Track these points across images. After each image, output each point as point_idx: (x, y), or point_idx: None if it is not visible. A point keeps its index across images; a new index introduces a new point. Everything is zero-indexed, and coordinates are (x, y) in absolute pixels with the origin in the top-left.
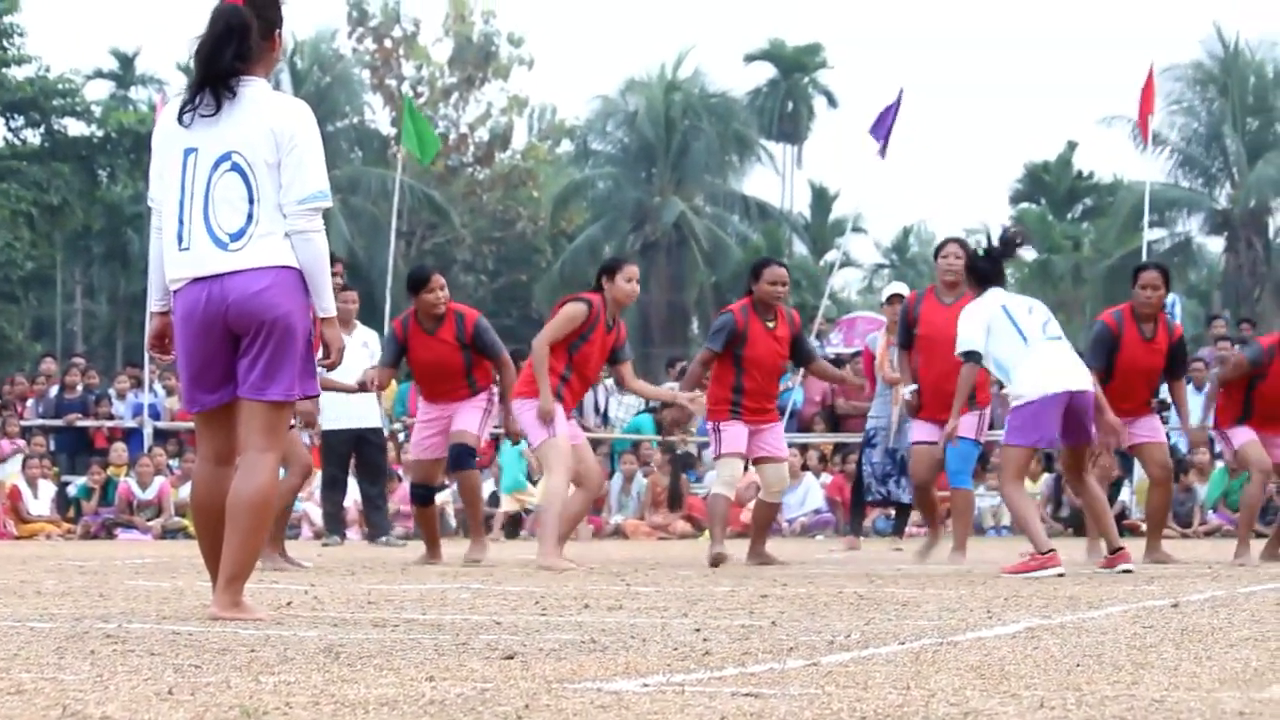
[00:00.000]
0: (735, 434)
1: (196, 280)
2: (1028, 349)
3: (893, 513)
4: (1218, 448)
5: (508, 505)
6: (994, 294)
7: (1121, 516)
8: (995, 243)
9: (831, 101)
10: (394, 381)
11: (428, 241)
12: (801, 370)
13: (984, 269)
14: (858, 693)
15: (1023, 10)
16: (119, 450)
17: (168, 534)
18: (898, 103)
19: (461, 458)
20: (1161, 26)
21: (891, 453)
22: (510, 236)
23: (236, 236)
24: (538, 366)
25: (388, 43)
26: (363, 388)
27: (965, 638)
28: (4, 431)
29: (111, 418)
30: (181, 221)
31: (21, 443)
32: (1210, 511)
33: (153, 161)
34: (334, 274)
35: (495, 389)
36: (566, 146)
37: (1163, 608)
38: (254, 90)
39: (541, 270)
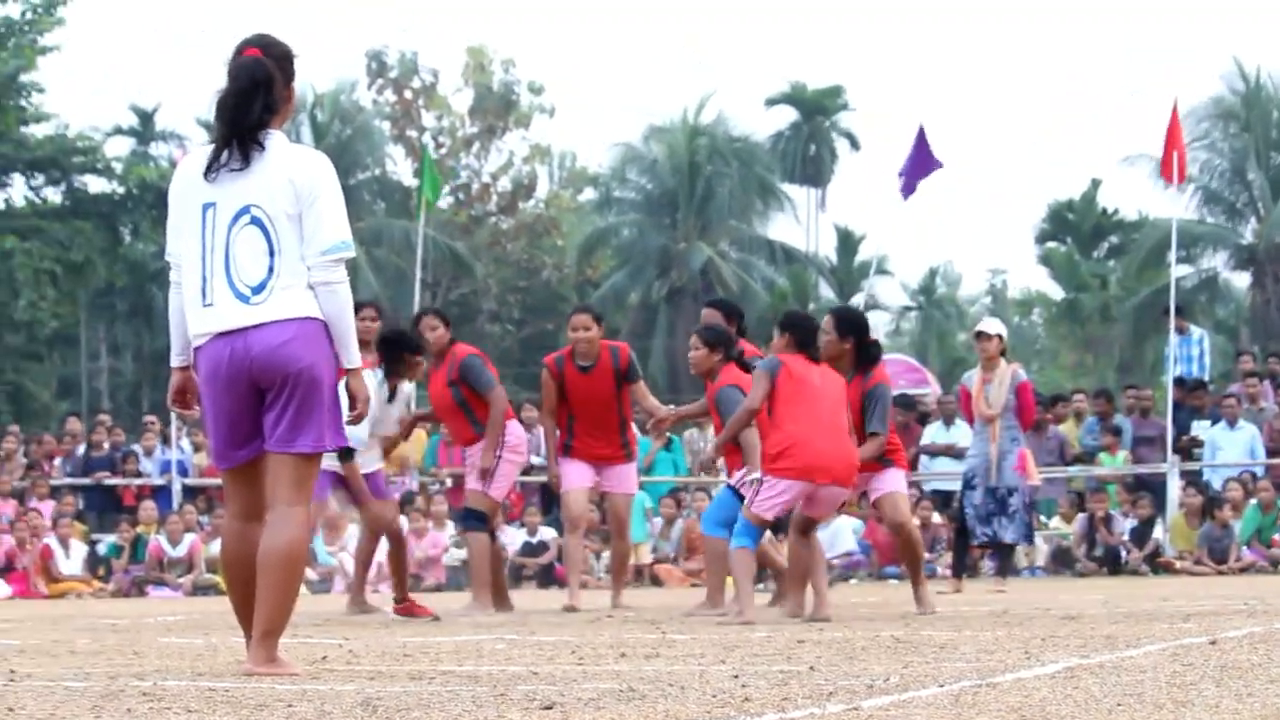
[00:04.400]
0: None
1: (220, 335)
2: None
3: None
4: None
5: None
6: None
7: (1156, 554)
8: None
9: (854, 144)
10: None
11: (453, 292)
12: None
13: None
14: None
15: (1044, 50)
16: (148, 508)
17: (199, 590)
18: (921, 135)
19: (465, 520)
20: (1181, 63)
21: (992, 491)
22: (535, 285)
23: (258, 289)
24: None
25: (407, 93)
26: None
27: (1004, 679)
28: (34, 491)
29: (139, 475)
30: (204, 277)
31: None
32: (1244, 548)
33: (170, 217)
34: (367, 318)
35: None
36: (589, 194)
37: (1201, 645)
38: (273, 143)
39: (567, 319)
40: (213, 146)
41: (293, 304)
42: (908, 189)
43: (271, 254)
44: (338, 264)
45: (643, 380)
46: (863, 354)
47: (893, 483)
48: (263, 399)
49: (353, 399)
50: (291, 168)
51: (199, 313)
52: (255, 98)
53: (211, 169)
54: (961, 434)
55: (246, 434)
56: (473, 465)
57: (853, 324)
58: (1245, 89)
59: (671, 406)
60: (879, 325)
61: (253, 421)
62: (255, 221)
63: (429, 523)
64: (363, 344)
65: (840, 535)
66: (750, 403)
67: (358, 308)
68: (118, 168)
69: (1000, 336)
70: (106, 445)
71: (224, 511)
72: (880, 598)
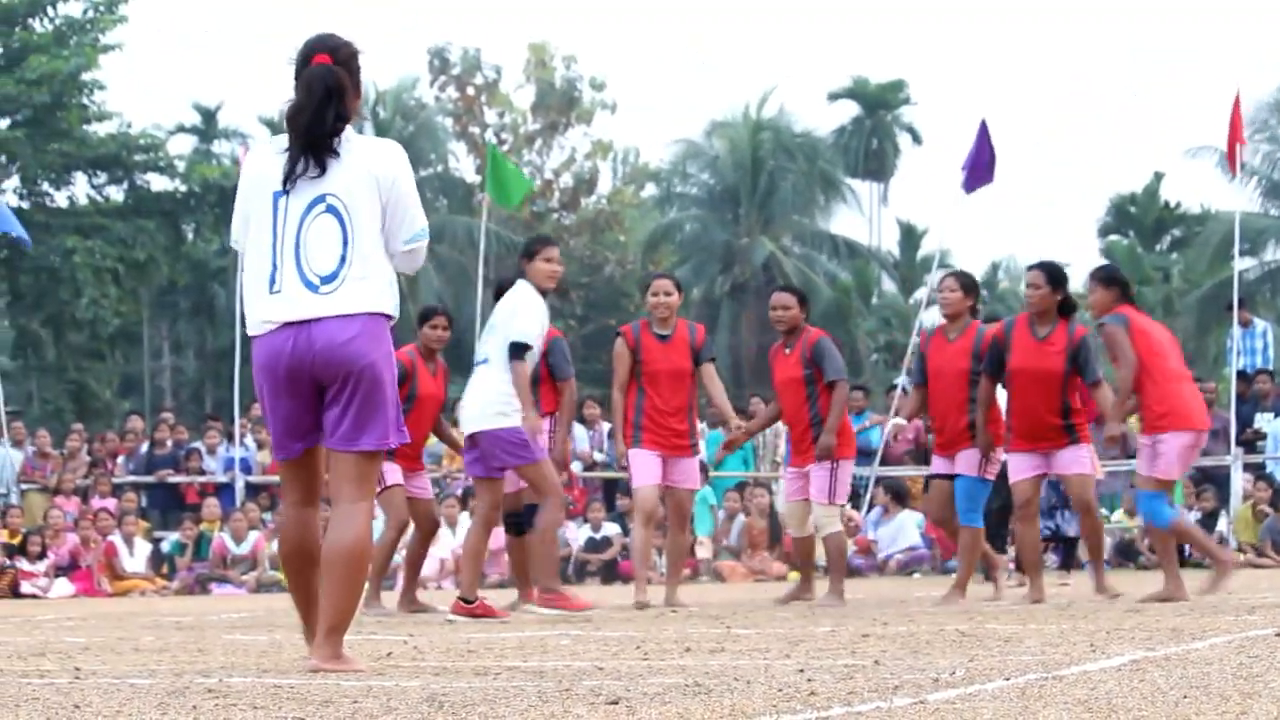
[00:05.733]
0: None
1: (283, 326)
2: None
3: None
4: None
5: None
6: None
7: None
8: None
9: (916, 138)
10: None
11: None
12: (893, 410)
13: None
14: None
15: (1105, 43)
16: (211, 505)
17: (262, 588)
18: (983, 133)
19: (523, 523)
20: (1245, 56)
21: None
22: (598, 281)
23: (329, 279)
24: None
25: (470, 90)
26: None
27: (1070, 672)
28: (96, 489)
29: (202, 473)
30: (273, 265)
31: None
32: None
33: (238, 203)
34: (436, 326)
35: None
36: (651, 190)
37: (1267, 637)
38: (347, 142)
39: (630, 314)
40: (287, 156)
41: (362, 297)
42: (969, 184)
43: (345, 244)
44: (418, 250)
45: (713, 364)
46: (1066, 305)
47: (1082, 461)
48: (321, 393)
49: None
50: (372, 161)
51: (264, 300)
52: (329, 108)
53: (289, 179)
54: None
55: (306, 428)
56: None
57: (1063, 276)
58: None
59: (740, 423)
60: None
61: (312, 416)
62: (331, 210)
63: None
64: (431, 354)
65: (904, 529)
66: (1131, 359)
67: (428, 315)
68: (180, 166)
69: None
70: (169, 443)
71: (283, 502)
72: (944, 591)
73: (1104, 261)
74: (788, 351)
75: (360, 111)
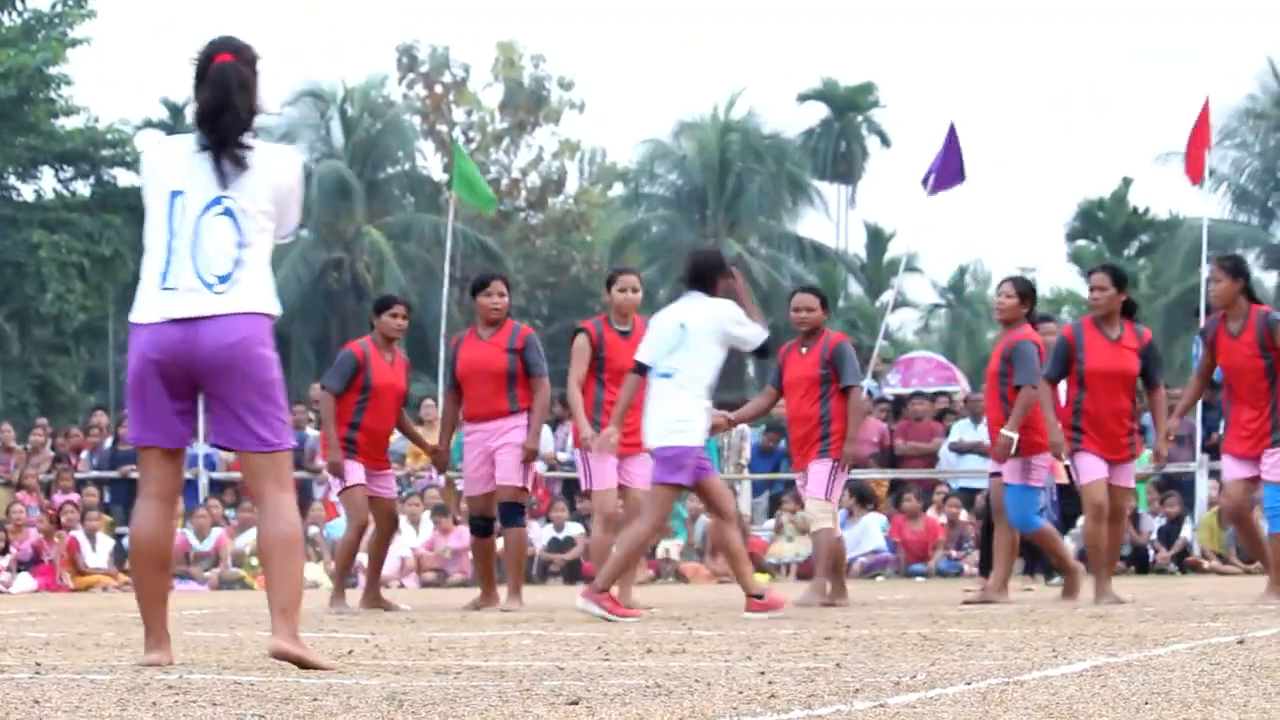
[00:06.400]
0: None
1: (172, 321)
2: None
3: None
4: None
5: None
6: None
7: (1184, 553)
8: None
9: (885, 141)
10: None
11: None
12: None
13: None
14: None
15: (1076, 48)
16: None
17: (224, 584)
18: (951, 136)
19: (509, 516)
20: (1215, 62)
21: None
22: (564, 281)
23: (224, 279)
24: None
25: (438, 88)
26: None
27: (1032, 677)
28: (59, 484)
29: None
30: (167, 261)
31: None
32: None
33: (145, 195)
34: (396, 314)
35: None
36: (619, 190)
37: (1229, 644)
38: (254, 143)
39: (596, 315)
40: (205, 156)
41: (253, 297)
42: (935, 187)
43: (240, 246)
44: (285, 242)
45: None
46: (1127, 306)
47: (1132, 474)
48: (194, 394)
49: None
50: (275, 172)
51: (155, 295)
52: (243, 103)
53: (226, 181)
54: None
55: (170, 424)
56: (484, 448)
57: (1125, 278)
58: (1278, 88)
59: (725, 412)
60: (907, 323)
61: (179, 416)
62: (228, 213)
63: (456, 516)
64: (388, 343)
65: (868, 532)
66: None
67: (387, 304)
68: None
69: None
70: None
71: (249, 506)
72: (907, 595)
73: (1073, 267)
74: (804, 351)
75: (324, 108)
